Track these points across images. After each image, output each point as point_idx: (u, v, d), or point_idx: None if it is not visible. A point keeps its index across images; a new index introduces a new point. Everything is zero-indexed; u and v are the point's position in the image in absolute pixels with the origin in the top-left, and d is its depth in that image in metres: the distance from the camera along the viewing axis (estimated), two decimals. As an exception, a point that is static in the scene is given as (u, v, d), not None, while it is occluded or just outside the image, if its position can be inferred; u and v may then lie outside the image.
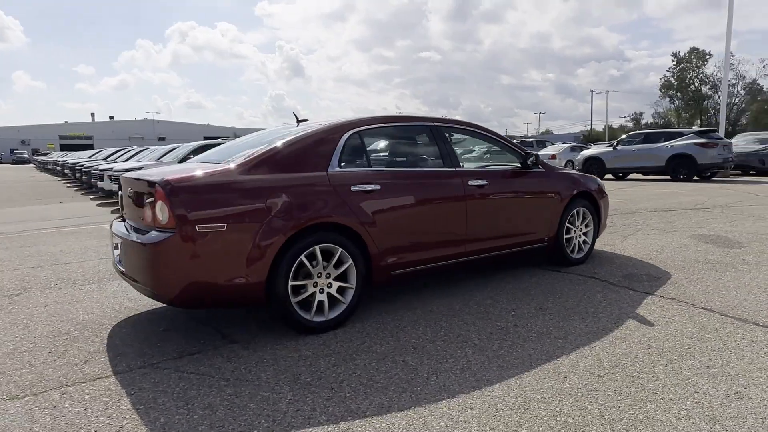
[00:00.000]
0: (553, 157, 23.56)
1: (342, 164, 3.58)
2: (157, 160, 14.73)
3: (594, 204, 5.29)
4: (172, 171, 3.31)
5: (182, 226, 2.95)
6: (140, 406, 2.50)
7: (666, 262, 5.21)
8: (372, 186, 3.60)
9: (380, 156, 4.06)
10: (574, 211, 5.05)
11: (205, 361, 3.01)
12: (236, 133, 62.67)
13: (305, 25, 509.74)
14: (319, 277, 3.35)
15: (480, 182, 4.23)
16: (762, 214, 8.25)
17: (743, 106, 79.55)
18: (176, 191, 2.98)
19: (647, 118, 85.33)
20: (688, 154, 15.28)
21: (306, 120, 4.25)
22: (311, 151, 3.50)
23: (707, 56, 77.21)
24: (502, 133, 5.47)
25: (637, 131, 19.00)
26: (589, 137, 75.51)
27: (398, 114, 4.31)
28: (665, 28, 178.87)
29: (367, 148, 3.86)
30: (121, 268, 3.43)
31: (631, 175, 17.97)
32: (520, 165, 4.73)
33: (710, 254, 5.47)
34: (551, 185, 4.87)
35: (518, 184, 4.63)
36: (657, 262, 5.22)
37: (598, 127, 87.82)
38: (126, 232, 3.36)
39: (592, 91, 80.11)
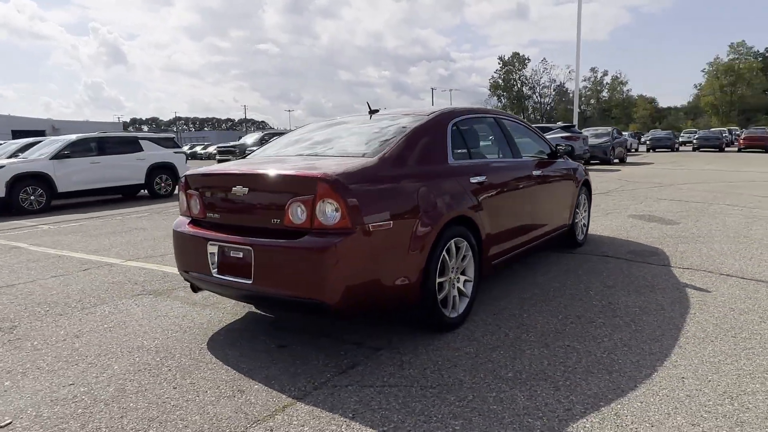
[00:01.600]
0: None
1: (454, 156, 3.53)
2: (16, 156, 12.39)
3: (589, 190, 5.87)
4: (313, 166, 2.93)
5: (358, 225, 2.66)
6: (384, 427, 2.24)
7: (639, 239, 5.99)
8: (481, 177, 3.61)
9: (472, 147, 4.03)
10: (580, 196, 5.55)
11: (377, 372, 2.76)
12: (54, 126, 54.20)
13: (125, 7, 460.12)
14: (451, 272, 3.27)
15: (539, 171, 4.48)
16: (656, 196, 9.83)
17: (552, 104, 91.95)
18: (348, 187, 2.67)
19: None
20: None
21: (377, 110, 4.04)
22: (431, 143, 3.38)
23: (526, 60, 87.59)
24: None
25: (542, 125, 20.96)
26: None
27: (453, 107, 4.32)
28: (483, 34, 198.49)
29: (464, 139, 3.82)
30: (232, 279, 2.95)
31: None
32: (547, 155, 5.06)
33: (663, 231, 6.42)
34: (572, 173, 5.30)
35: (556, 172, 4.95)
36: (632, 239, 5.98)
37: None
38: (247, 237, 2.89)
39: (432, 89, 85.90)
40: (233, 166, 3.26)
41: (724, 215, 7.47)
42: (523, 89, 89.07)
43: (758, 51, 75.86)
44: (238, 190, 2.97)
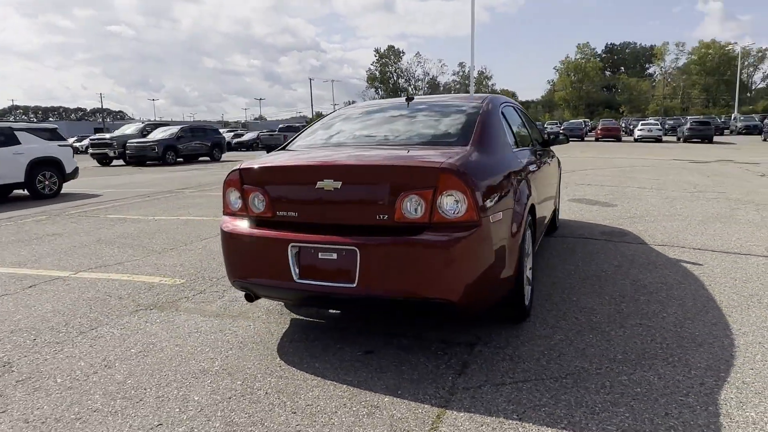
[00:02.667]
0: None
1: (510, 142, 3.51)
2: None
3: (560, 177, 6.22)
4: (418, 155, 2.70)
5: (483, 218, 2.52)
6: (561, 424, 2.16)
7: (597, 221, 6.50)
8: (533, 166, 3.64)
9: (515, 133, 3.99)
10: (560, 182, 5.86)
11: (494, 369, 2.66)
12: None
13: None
14: (527, 260, 3.26)
15: (546, 158, 4.63)
16: (574, 181, 10.72)
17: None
18: (473, 177, 2.51)
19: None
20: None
21: (413, 97, 3.85)
22: (498, 129, 3.32)
23: (401, 53, 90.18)
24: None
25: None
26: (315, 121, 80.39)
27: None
28: (352, 25, 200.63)
29: (510, 126, 3.80)
30: (324, 284, 2.64)
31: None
32: (540, 143, 5.25)
33: (610, 213, 7.04)
34: (556, 160, 5.56)
35: (551, 159, 5.15)
36: (592, 222, 6.48)
37: (308, 113, 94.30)
38: (349, 236, 2.59)
39: (311, 79, 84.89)
40: (314, 158, 2.91)
41: (645, 197, 8.38)
42: (399, 81, 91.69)
43: (598, 51, 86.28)
44: (328, 184, 2.64)
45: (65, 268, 4.96)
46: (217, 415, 2.31)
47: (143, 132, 24.60)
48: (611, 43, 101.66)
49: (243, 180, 2.91)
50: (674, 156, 18.47)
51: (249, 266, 2.87)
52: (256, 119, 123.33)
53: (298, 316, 3.48)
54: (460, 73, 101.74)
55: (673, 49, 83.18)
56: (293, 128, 27.86)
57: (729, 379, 2.49)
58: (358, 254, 2.55)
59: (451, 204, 2.49)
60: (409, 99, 3.81)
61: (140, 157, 21.75)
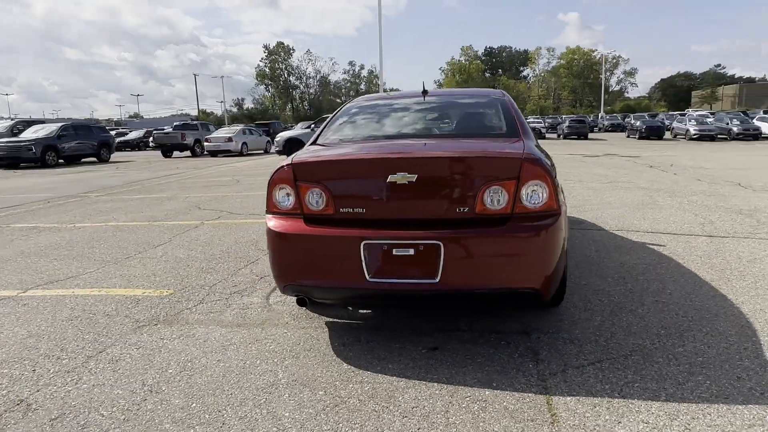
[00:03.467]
0: (230, 139, 23.58)
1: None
2: None
3: None
4: (489, 147, 2.68)
5: (561, 206, 2.59)
6: (673, 401, 2.30)
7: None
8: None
9: None
10: None
11: (565, 353, 2.75)
12: None
13: None
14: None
15: None
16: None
17: (314, 96, 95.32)
18: (549, 167, 2.57)
19: (249, 104, 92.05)
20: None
21: (427, 91, 3.81)
22: (526, 122, 3.42)
23: (292, 50, 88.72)
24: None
25: (330, 114, 21.23)
26: (200, 119, 76.34)
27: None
28: (234, 19, 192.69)
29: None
30: (401, 281, 2.55)
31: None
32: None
33: (555, 202, 7.56)
34: None
35: None
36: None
37: (192, 111, 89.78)
38: (430, 231, 2.52)
39: (195, 75, 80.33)
40: (380, 151, 2.78)
41: (572, 188, 9.10)
42: (291, 79, 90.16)
43: (479, 54, 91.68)
44: (401, 177, 2.55)
45: (5, 286, 4.25)
46: (324, 429, 2.13)
47: (13, 130, 21.73)
48: (490, 47, 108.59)
49: (297, 176, 2.70)
50: (568, 151, 20.21)
51: (309, 268, 2.68)
52: (131, 117, 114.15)
53: (331, 319, 3.31)
54: (351, 72, 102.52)
55: (545, 54, 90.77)
56: (190, 126, 26.18)
57: (762, 341, 2.81)
58: (443, 248, 2.49)
59: (534, 194, 2.53)
60: (425, 92, 3.78)
61: (13, 159, 19.20)
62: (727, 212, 6.54)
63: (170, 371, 2.67)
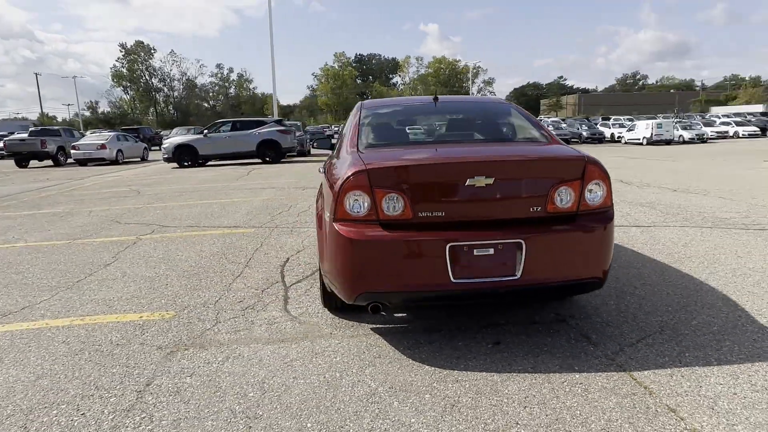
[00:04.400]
0: (103, 146, 21.48)
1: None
2: None
3: None
4: (555, 150, 2.89)
5: (612, 203, 2.89)
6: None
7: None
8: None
9: None
10: None
11: (627, 336, 3.08)
12: None
13: None
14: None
15: None
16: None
17: (180, 99, 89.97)
18: (605, 169, 2.85)
19: (104, 108, 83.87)
20: (274, 140, 17.90)
21: (437, 97, 3.92)
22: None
23: (153, 50, 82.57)
24: None
25: (225, 119, 20.07)
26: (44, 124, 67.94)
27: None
28: (75, 14, 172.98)
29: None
30: (484, 280, 2.68)
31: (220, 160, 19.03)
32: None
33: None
34: None
35: None
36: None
37: (31, 115, 79.87)
38: (511, 230, 2.66)
39: (36, 74, 71.02)
40: (455, 155, 2.84)
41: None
42: (153, 81, 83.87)
43: (352, 60, 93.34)
44: (480, 180, 2.67)
45: (-56, 325, 3.56)
46: (463, 429, 2.18)
47: None
48: (360, 54, 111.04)
49: (372, 182, 2.68)
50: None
51: (390, 274, 2.67)
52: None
53: (375, 325, 3.30)
54: (219, 75, 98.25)
55: (414, 62, 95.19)
56: (52, 132, 23.22)
57: (747, 310, 3.38)
58: (524, 246, 2.65)
59: (595, 192, 2.80)
60: (436, 99, 3.90)
61: None
62: (633, 206, 7.55)
63: (251, 395, 2.49)
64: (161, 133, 41.35)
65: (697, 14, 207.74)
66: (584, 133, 36.23)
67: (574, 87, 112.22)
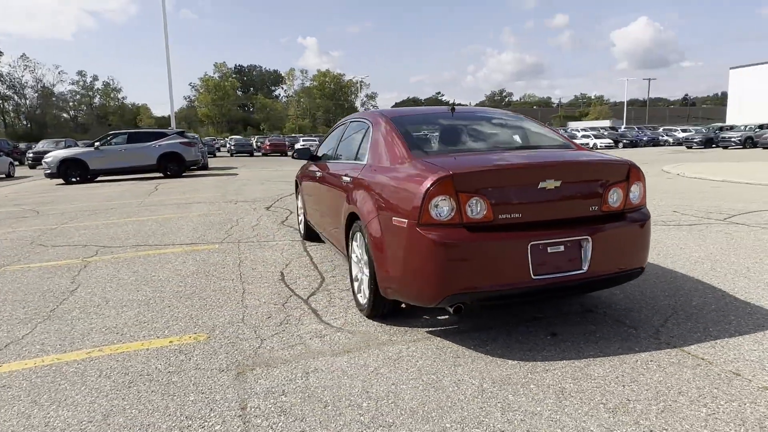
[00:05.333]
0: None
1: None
2: None
3: None
4: (604, 155, 3.19)
5: (646, 202, 3.28)
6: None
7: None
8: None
9: None
10: None
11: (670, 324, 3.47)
12: None
13: None
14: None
15: None
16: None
17: (34, 108, 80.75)
18: (642, 172, 3.23)
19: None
20: (176, 153, 16.82)
21: (453, 107, 4.08)
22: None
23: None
24: None
25: (120, 131, 18.20)
26: None
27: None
28: None
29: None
30: (557, 275, 2.91)
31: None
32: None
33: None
34: None
35: None
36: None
37: None
38: (579, 228, 2.93)
39: None
40: (533, 158, 3.03)
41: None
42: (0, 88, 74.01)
43: (232, 71, 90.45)
44: (550, 183, 2.90)
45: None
46: (585, 409, 2.36)
47: None
48: (240, 65, 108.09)
49: (457, 187, 2.78)
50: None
51: (476, 275, 2.78)
52: None
53: (428, 328, 3.37)
54: (82, 83, 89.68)
55: (299, 75, 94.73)
56: None
57: (733, 294, 3.99)
58: (591, 242, 2.93)
59: (635, 192, 3.16)
60: (452, 108, 4.08)
61: None
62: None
63: (366, 405, 2.45)
64: (20, 146, 36.64)
65: (549, 40, 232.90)
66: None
67: (449, 102, 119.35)
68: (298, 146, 20.37)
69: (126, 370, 2.89)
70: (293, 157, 5.99)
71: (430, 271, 2.80)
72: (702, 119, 68.27)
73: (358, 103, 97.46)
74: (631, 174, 3.14)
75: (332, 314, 3.69)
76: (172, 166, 16.86)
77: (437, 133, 3.79)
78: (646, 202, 3.30)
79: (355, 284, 3.77)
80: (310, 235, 6.10)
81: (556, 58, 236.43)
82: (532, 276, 2.84)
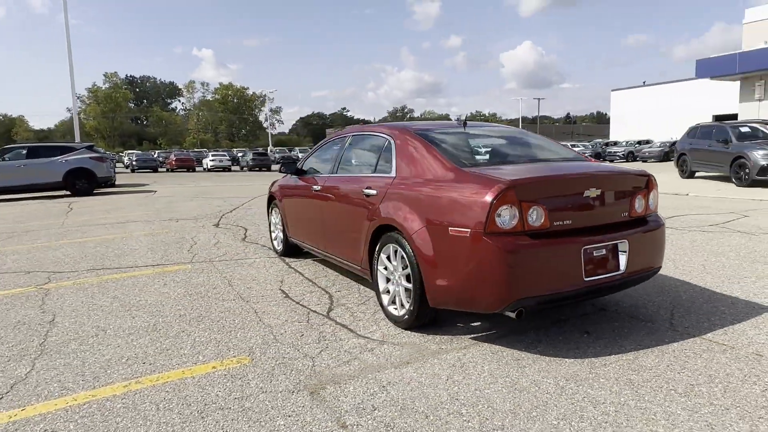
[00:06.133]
0: None
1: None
2: None
3: None
4: (620, 165, 3.48)
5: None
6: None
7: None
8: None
9: None
10: None
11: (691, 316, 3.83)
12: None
13: None
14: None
15: None
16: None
17: None
18: (656, 181, 3.59)
19: None
20: (86, 169, 15.45)
21: (465, 122, 4.23)
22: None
23: None
24: None
25: (17, 145, 16.16)
26: None
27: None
28: None
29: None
30: (601, 277, 3.16)
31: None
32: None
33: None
34: None
35: None
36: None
37: None
38: (617, 233, 3.20)
39: None
40: (575, 169, 3.25)
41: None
42: None
43: (124, 81, 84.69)
44: (593, 191, 3.15)
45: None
46: (660, 395, 2.58)
47: None
48: (131, 76, 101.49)
49: (519, 197, 2.93)
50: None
51: (539, 280, 2.93)
52: None
53: (470, 335, 3.46)
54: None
55: (200, 87, 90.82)
56: None
57: (718, 289, 4.52)
58: (628, 245, 3.21)
59: (652, 199, 3.52)
60: (464, 123, 4.23)
61: None
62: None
63: (465, 411, 2.49)
64: None
65: (446, 60, 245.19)
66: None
67: (355, 117, 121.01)
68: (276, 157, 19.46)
69: (184, 400, 2.67)
70: (280, 171, 5.82)
71: (498, 278, 2.90)
72: (584, 135, 75.54)
73: (262, 118, 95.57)
74: (649, 183, 3.49)
75: (364, 328, 3.66)
76: (81, 183, 15.43)
77: (467, 147, 3.91)
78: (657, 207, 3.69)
79: (384, 297, 3.77)
80: (289, 251, 5.96)
81: (452, 77, 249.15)
82: (584, 278, 3.05)
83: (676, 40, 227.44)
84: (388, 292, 3.75)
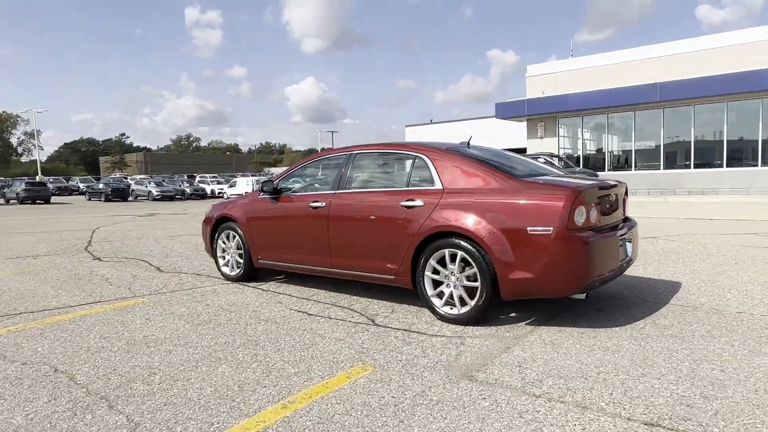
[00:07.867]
0: None
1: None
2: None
3: None
4: (605, 180, 4.50)
5: (624, 210, 4.82)
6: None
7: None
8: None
9: None
10: None
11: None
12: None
13: None
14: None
15: None
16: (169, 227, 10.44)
17: None
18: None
19: None
20: None
21: (468, 142, 4.80)
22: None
23: None
24: None
25: None
26: None
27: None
28: None
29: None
30: (627, 259, 4.14)
31: None
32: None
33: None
34: None
35: None
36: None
37: None
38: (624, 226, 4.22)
39: None
40: (602, 180, 4.06)
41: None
42: None
43: None
44: (612, 197, 4.13)
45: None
46: (697, 355, 3.55)
47: None
48: None
49: (586, 200, 3.69)
50: (112, 213, 18.82)
51: (602, 264, 3.71)
52: None
53: (505, 325, 4.05)
54: None
55: None
56: None
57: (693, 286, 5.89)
58: (632, 237, 4.26)
59: (627, 203, 4.65)
60: (468, 144, 4.82)
61: None
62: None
63: (603, 369, 3.07)
64: None
65: (229, 88, 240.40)
66: (187, 190, 37.25)
67: (134, 145, 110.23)
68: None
69: (351, 411, 2.69)
70: (263, 190, 5.49)
71: (578, 265, 3.60)
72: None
73: (14, 140, 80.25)
74: (627, 191, 4.63)
75: (431, 330, 3.91)
76: None
77: (498, 162, 4.48)
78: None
79: (436, 300, 4.10)
80: (249, 276, 5.73)
81: (237, 106, 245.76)
82: (620, 262, 3.95)
83: (436, 86, 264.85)
84: (440, 295, 4.10)
